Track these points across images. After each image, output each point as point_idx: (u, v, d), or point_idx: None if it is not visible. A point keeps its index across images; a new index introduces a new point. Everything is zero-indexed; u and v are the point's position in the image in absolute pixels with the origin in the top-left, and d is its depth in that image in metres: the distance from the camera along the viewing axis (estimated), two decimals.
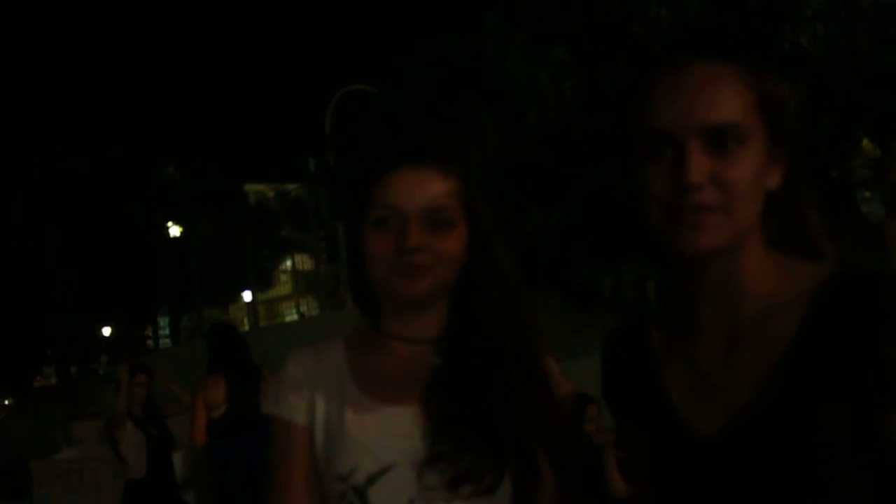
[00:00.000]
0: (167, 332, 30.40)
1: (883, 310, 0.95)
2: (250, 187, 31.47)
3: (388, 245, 1.33)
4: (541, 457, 1.34)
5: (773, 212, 1.09)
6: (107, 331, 27.27)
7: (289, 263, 35.83)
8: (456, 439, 1.30)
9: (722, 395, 1.06)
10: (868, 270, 1.03)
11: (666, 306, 1.23)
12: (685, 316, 1.15)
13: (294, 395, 1.41)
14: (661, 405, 1.14)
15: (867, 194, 7.21)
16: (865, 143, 6.99)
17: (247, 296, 27.74)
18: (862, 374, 0.95)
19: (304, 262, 32.95)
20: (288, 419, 1.41)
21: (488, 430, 1.31)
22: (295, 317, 31.01)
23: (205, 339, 5.92)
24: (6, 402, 27.18)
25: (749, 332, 1.07)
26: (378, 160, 1.44)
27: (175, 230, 25.92)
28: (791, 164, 1.10)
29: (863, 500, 0.98)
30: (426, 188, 1.35)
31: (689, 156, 1.01)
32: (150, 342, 29.38)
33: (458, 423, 1.31)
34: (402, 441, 1.32)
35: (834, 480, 0.97)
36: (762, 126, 1.05)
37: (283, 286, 37.12)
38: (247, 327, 21.87)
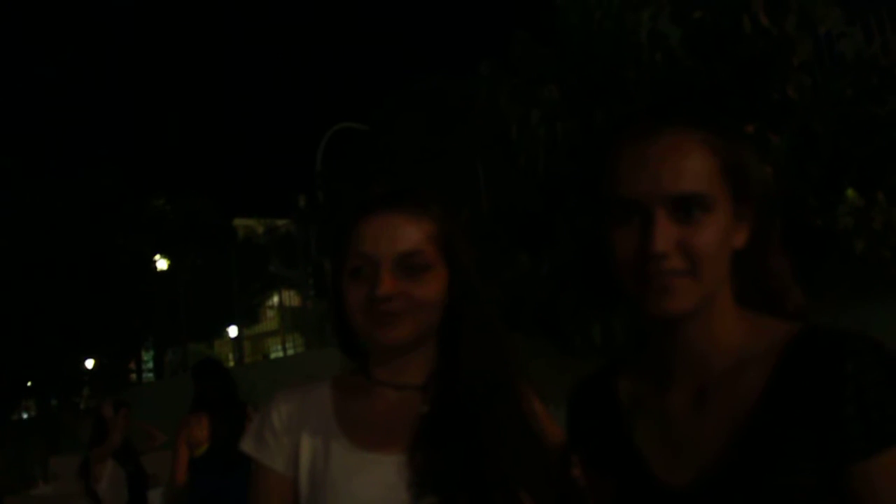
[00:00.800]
0: (151, 365, 30.07)
1: (844, 371, 0.98)
2: (239, 222, 31.41)
3: (363, 294, 1.33)
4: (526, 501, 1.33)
5: (739, 268, 1.12)
6: (90, 363, 26.93)
7: (276, 299, 35.64)
8: (442, 494, 1.29)
9: (691, 449, 1.08)
10: (832, 330, 1.06)
11: (635, 357, 1.25)
12: (655, 369, 1.17)
13: (276, 441, 1.41)
14: (629, 456, 1.16)
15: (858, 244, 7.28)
16: (850, 192, 7.08)
17: (233, 331, 27.50)
18: (825, 433, 0.98)
19: (292, 297, 32.78)
20: (268, 466, 1.40)
21: (475, 482, 1.31)
22: (280, 353, 30.79)
23: (190, 376, 5.89)
24: None
25: (718, 388, 1.10)
26: (353, 206, 1.45)
27: (162, 263, 25.78)
28: (757, 220, 1.13)
29: None
30: (398, 234, 1.35)
31: (656, 224, 1.04)
32: (134, 376, 29.03)
33: (444, 477, 1.31)
34: (387, 491, 1.31)
35: None
36: (727, 189, 1.08)
37: (270, 322, 36.85)
38: (232, 363, 21.67)
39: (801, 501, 0.98)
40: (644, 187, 1.04)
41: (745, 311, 1.13)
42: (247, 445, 1.44)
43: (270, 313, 37.77)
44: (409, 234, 1.35)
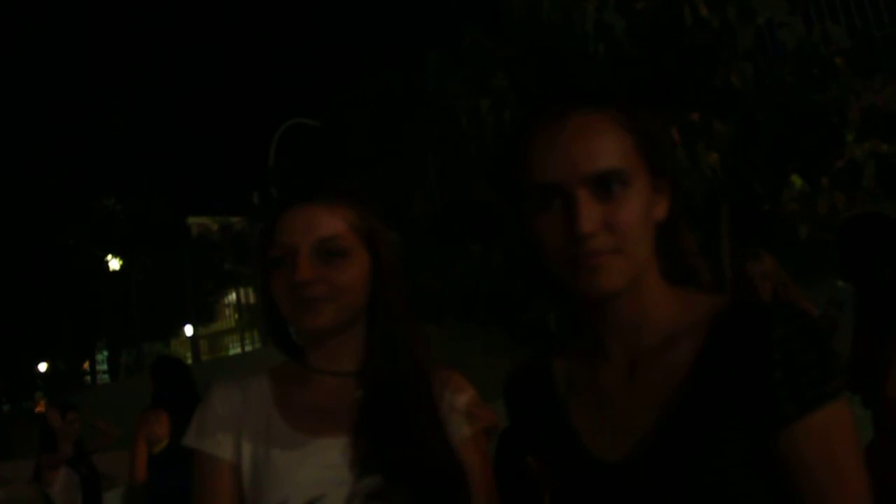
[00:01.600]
0: (105, 367, 29.63)
1: (771, 337, 1.00)
2: (193, 220, 31.05)
3: (285, 282, 1.35)
4: (463, 483, 1.36)
5: (660, 243, 1.14)
6: (42, 366, 26.46)
7: (233, 297, 35.34)
8: (387, 474, 1.31)
9: (624, 424, 1.09)
10: (758, 302, 1.08)
11: (570, 338, 1.27)
12: (589, 347, 1.19)
13: (219, 431, 1.41)
14: (565, 434, 1.17)
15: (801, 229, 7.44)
16: (794, 178, 7.24)
17: (188, 330, 27.24)
18: (755, 399, 1.00)
19: (249, 295, 32.53)
20: (212, 454, 1.40)
21: (415, 462, 1.33)
22: (238, 350, 30.54)
23: (148, 374, 5.83)
24: None
25: (649, 362, 1.11)
26: (275, 203, 1.47)
27: (115, 263, 25.39)
28: (673, 193, 1.15)
29: None
30: (314, 222, 1.37)
31: (579, 206, 1.04)
32: (88, 378, 28.59)
33: (387, 458, 1.32)
34: (330, 472, 1.32)
35: (734, 503, 1.00)
36: (643, 163, 1.09)
37: (227, 320, 36.57)
38: (189, 361, 21.46)
39: (734, 467, 1.00)
40: (561, 170, 1.05)
41: (673, 287, 1.15)
42: (189, 439, 1.44)
43: (227, 311, 37.56)
44: (326, 221, 1.37)
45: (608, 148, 1.06)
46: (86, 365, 29.10)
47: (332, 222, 1.39)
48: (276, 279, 1.38)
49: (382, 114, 8.93)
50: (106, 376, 28.61)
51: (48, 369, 26.49)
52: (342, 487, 1.31)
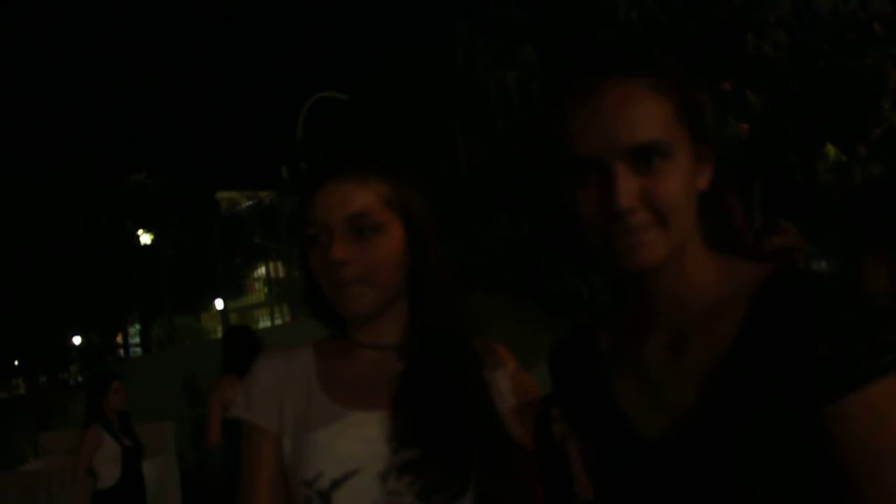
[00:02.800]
0: (138, 340, 30.06)
1: (816, 309, 0.96)
2: (222, 194, 31.28)
3: (322, 260, 1.36)
4: (503, 458, 1.35)
5: (704, 210, 1.10)
6: (77, 339, 26.92)
7: (262, 271, 35.60)
8: (424, 448, 1.31)
9: (667, 398, 1.07)
10: (804, 270, 1.05)
11: (614, 312, 1.24)
12: (632, 320, 1.16)
13: (263, 401, 1.43)
14: (608, 409, 1.14)
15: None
16: (829, 148, 7.09)
17: (219, 303, 27.52)
18: (798, 374, 0.96)
19: (279, 269, 32.75)
20: (257, 424, 1.42)
21: (454, 436, 1.32)
22: (268, 324, 30.82)
23: (221, 342, 6.11)
24: None
25: (693, 335, 1.08)
26: (309, 180, 1.48)
27: (146, 238, 25.66)
28: (717, 159, 1.11)
29: (804, 501, 0.98)
30: (346, 199, 1.37)
31: (617, 180, 1.00)
32: (121, 351, 29.03)
33: (424, 431, 1.32)
34: (367, 446, 1.33)
35: (776, 483, 0.97)
36: (685, 131, 1.04)
37: (257, 294, 36.88)
38: (219, 335, 21.68)
39: (777, 444, 0.97)
40: (598, 144, 1.00)
41: (716, 255, 1.11)
42: (237, 410, 1.46)
43: (257, 285, 37.86)
44: (357, 197, 1.37)
45: (647, 118, 1.01)
46: (118, 338, 29.54)
47: (362, 197, 1.39)
48: (314, 257, 1.39)
49: (410, 85, 8.89)
50: (138, 349, 29.04)
51: (82, 342, 26.95)
52: (378, 462, 1.32)
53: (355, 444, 1.33)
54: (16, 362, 26.15)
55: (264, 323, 33.35)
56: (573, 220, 1.06)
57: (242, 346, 5.66)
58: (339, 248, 1.33)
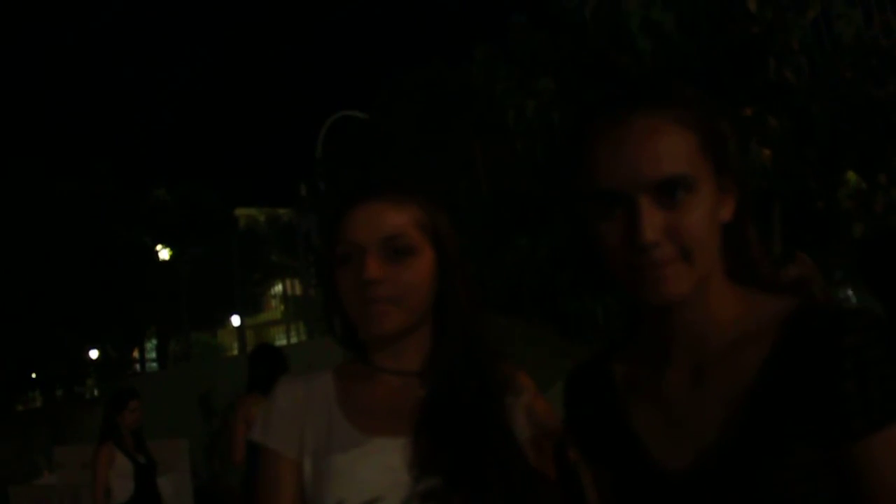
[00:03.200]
0: (154, 355, 30.19)
1: (842, 346, 0.94)
2: (241, 211, 31.42)
3: (352, 280, 1.33)
4: (523, 487, 1.34)
5: (725, 241, 1.08)
6: (94, 354, 27.05)
7: (279, 288, 35.71)
8: (446, 476, 1.29)
9: (689, 431, 1.05)
10: (829, 305, 1.03)
11: (630, 339, 1.22)
12: (651, 350, 1.14)
13: (283, 427, 1.41)
14: (627, 440, 1.12)
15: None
16: (850, 175, 7.05)
17: (235, 320, 27.59)
18: (825, 410, 0.94)
19: (295, 286, 32.82)
20: (275, 450, 1.40)
21: (477, 465, 1.31)
22: (284, 342, 30.89)
23: (247, 359, 6.11)
24: None
25: (715, 367, 1.06)
26: (340, 198, 1.45)
27: (164, 253, 25.83)
28: (740, 190, 1.09)
29: None
30: (381, 219, 1.35)
31: (641, 214, 0.99)
32: (137, 365, 29.15)
33: (447, 459, 1.30)
34: (389, 474, 1.30)
35: None
36: (709, 164, 1.03)
37: (273, 311, 36.98)
38: (235, 352, 21.74)
39: (802, 481, 0.95)
40: (623, 177, 0.99)
41: (736, 286, 1.09)
42: (255, 434, 1.44)
43: (274, 302, 37.97)
44: (393, 218, 1.35)
45: (672, 152, 1.00)
46: (135, 353, 29.68)
47: (398, 219, 1.36)
48: (343, 277, 1.35)
49: (430, 106, 8.93)
50: (154, 364, 29.15)
51: (99, 356, 27.08)
52: (400, 489, 1.29)
53: (377, 471, 1.31)
54: (33, 375, 26.31)
55: (280, 340, 33.39)
56: (594, 247, 1.05)
57: (268, 364, 5.67)
58: (372, 267, 1.31)
